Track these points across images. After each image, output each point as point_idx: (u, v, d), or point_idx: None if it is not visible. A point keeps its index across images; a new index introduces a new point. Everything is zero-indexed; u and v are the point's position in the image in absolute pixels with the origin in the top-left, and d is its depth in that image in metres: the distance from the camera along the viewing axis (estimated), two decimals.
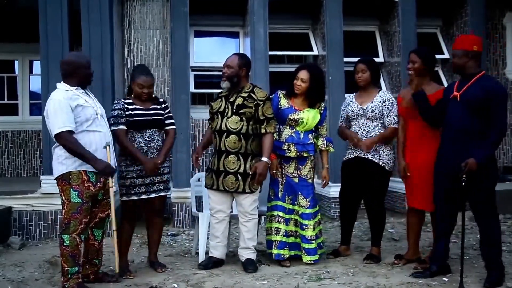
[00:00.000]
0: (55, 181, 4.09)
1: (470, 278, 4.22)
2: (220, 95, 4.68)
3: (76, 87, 4.07)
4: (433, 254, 4.38)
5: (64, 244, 3.95)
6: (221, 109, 4.56)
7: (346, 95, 5.08)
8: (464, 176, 3.95)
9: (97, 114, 4.10)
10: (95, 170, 4.00)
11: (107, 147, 4.09)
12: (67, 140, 3.91)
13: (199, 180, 5.25)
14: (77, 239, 3.97)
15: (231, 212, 4.71)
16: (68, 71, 4.08)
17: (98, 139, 4.06)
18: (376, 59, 7.83)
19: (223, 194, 4.58)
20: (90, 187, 4.00)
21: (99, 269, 4.31)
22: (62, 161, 3.98)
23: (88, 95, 4.17)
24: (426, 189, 4.41)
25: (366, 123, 4.78)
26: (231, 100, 4.55)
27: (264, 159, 4.47)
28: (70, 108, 3.94)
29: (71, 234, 3.94)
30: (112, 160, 4.13)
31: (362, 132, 4.77)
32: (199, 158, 4.77)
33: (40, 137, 7.91)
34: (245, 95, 4.54)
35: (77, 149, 3.93)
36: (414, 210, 4.65)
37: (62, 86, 4.07)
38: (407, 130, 4.63)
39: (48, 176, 6.14)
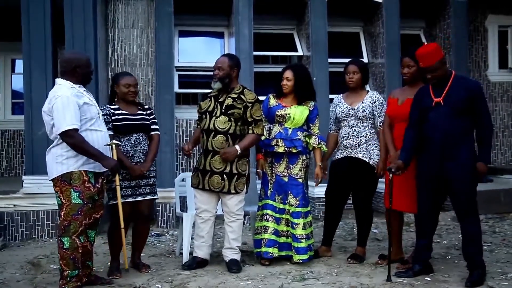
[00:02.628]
0: (48, 182, 3.99)
1: (452, 277, 4.26)
2: (209, 95, 4.68)
3: (78, 85, 4.02)
4: (415, 254, 4.42)
5: (64, 247, 3.88)
6: (210, 109, 4.56)
7: (334, 96, 5.08)
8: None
9: (98, 114, 4.07)
10: (94, 170, 3.94)
11: (113, 145, 4.11)
12: (75, 138, 3.83)
13: (183, 180, 5.23)
14: (77, 241, 3.90)
15: (216, 212, 4.71)
16: (67, 69, 4.01)
17: (100, 138, 4.02)
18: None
19: (209, 194, 4.57)
20: (91, 188, 3.94)
21: (91, 271, 4.24)
22: (63, 161, 3.89)
23: (89, 94, 4.13)
24: (404, 190, 4.44)
25: (357, 124, 4.80)
26: (221, 100, 4.56)
27: (237, 147, 4.46)
28: (78, 105, 3.88)
29: (71, 237, 3.87)
30: (115, 157, 4.13)
31: (352, 133, 4.80)
32: (191, 153, 4.68)
33: (22, 137, 7.82)
34: (235, 96, 4.55)
35: (86, 147, 3.86)
36: (392, 210, 4.67)
37: (65, 83, 3.98)
38: (394, 130, 4.65)
39: (30, 176, 6.10)
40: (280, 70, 4.97)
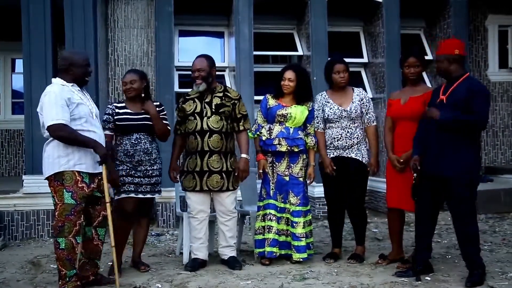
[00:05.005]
0: (47, 181, 3.96)
1: (452, 277, 4.26)
2: (189, 97, 4.68)
3: (72, 84, 3.99)
4: (416, 254, 4.42)
5: (60, 247, 3.85)
6: (198, 110, 4.57)
7: (318, 95, 5.03)
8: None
9: (92, 114, 4.03)
10: (87, 171, 3.91)
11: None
12: (62, 130, 3.79)
13: None
14: (73, 242, 3.87)
15: (211, 212, 4.73)
16: (63, 67, 4.01)
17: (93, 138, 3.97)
18: (360, 60, 7.92)
19: (204, 195, 4.60)
20: (84, 188, 3.90)
21: (98, 270, 4.23)
22: (54, 160, 3.87)
23: (84, 94, 4.10)
24: (406, 189, 4.45)
25: (349, 125, 4.79)
26: (207, 100, 4.58)
27: (244, 155, 4.60)
28: (66, 102, 3.84)
29: (66, 237, 3.85)
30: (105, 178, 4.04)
31: (346, 134, 4.78)
32: (177, 173, 4.76)
33: (23, 137, 7.83)
34: (220, 94, 4.60)
35: (75, 136, 3.82)
36: (394, 210, 4.68)
37: (57, 81, 3.99)
38: (395, 129, 4.65)
39: (31, 176, 6.10)
40: (280, 70, 4.96)
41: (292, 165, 4.78)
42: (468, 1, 7.73)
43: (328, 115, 4.84)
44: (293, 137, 4.76)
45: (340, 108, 4.80)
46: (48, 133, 3.88)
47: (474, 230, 4.11)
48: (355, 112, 4.78)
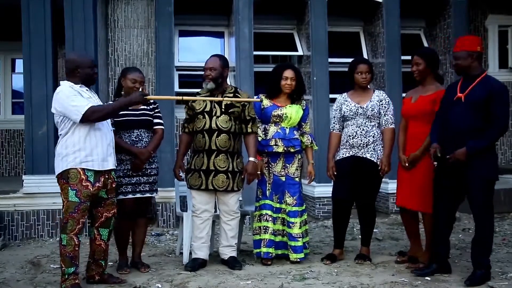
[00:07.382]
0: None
1: (452, 277, 4.26)
2: (199, 96, 4.69)
3: (80, 85, 4.05)
4: (434, 253, 4.36)
5: (62, 243, 3.92)
6: (207, 109, 4.57)
7: (333, 96, 5.04)
8: (435, 163, 4.19)
9: None
10: (93, 168, 3.94)
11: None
12: (95, 112, 3.89)
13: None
14: (75, 239, 3.92)
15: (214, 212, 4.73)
16: (69, 69, 4.08)
17: (99, 136, 4.00)
18: None
19: (209, 194, 4.59)
20: (89, 187, 3.94)
21: (104, 270, 4.24)
22: (62, 159, 3.94)
23: (92, 94, 4.15)
24: (415, 189, 4.46)
25: (365, 123, 4.76)
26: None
27: (252, 159, 4.57)
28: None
29: (68, 234, 3.90)
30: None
31: (361, 132, 4.74)
32: (182, 171, 4.76)
33: (23, 137, 7.83)
34: (231, 95, 4.60)
35: (108, 108, 4.01)
36: (405, 209, 4.66)
37: (65, 83, 4.05)
38: (408, 129, 4.65)
39: (31, 176, 6.10)
40: (272, 70, 4.96)
41: (288, 165, 4.79)
42: (468, 1, 7.73)
43: (344, 112, 4.81)
44: (289, 138, 4.76)
45: (356, 105, 4.78)
46: (65, 130, 3.95)
47: (485, 231, 4.09)
48: (372, 111, 4.75)
